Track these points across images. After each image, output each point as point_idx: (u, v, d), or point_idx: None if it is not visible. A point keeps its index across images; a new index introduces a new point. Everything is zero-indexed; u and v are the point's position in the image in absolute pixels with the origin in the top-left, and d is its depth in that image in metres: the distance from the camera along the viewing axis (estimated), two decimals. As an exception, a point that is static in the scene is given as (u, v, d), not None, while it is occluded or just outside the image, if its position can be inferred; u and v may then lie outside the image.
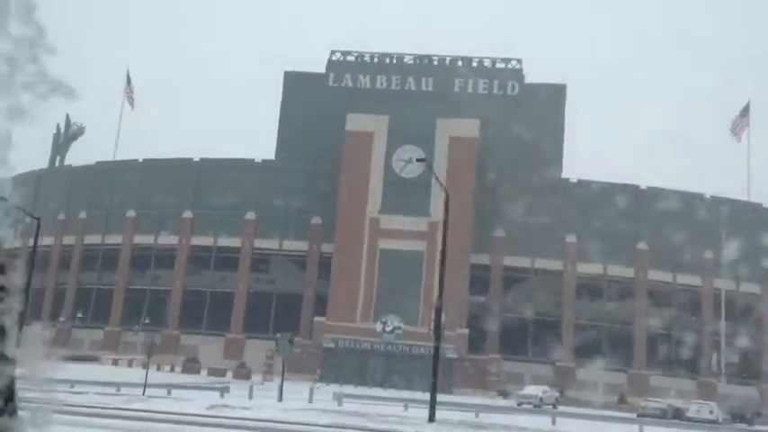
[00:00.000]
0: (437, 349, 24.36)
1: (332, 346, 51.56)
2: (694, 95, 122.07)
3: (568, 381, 58.74)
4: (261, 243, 64.79)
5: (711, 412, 34.06)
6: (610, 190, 63.00)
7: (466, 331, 53.92)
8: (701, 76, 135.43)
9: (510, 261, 62.20)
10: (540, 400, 35.67)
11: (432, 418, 21.24)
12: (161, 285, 65.75)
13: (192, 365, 46.98)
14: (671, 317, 60.82)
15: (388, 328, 51.71)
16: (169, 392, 20.53)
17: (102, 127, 77.42)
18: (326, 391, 33.29)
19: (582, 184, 63.73)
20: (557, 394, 39.29)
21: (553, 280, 62.15)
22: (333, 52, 73.19)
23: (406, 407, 27.34)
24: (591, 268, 61.63)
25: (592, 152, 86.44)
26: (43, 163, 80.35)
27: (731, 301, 61.75)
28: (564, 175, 67.17)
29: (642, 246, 62.17)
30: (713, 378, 56.93)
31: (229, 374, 45.36)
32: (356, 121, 61.41)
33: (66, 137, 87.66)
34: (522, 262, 62.30)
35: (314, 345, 52.90)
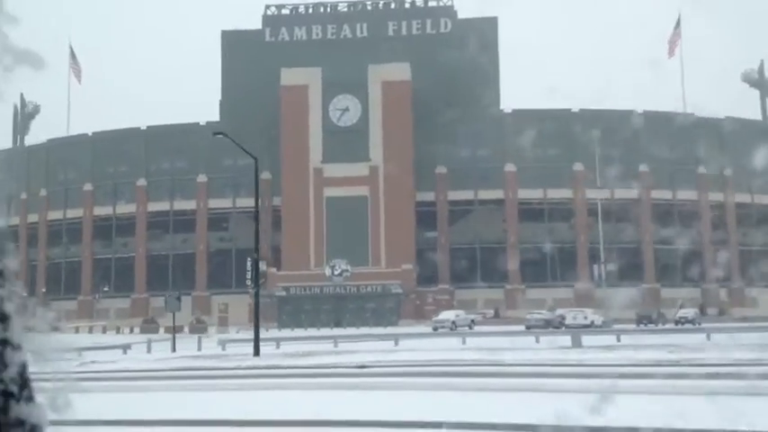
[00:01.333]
0: (257, 295, 27.39)
1: (284, 294, 54.65)
2: (627, 19, 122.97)
3: (516, 301, 62.30)
4: (215, 203, 67.22)
5: (585, 318, 37.60)
6: (543, 116, 65.02)
7: (410, 266, 56.88)
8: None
9: (454, 195, 64.83)
10: (453, 323, 38.89)
11: (256, 353, 24.41)
12: (125, 253, 68.40)
13: (149, 326, 49.97)
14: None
15: (336, 272, 54.69)
16: (80, 354, 23.32)
17: (57, 102, 78.25)
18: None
19: (517, 113, 65.86)
20: (472, 317, 42.41)
21: (496, 208, 64.97)
22: (267, 7, 74.05)
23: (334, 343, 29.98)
24: (531, 194, 64.43)
25: (531, 82, 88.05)
26: (7, 143, 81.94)
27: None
28: (502, 106, 69.28)
29: (578, 167, 64.75)
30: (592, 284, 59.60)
31: (186, 330, 48.43)
32: (290, 76, 63.00)
33: (23, 116, 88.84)
34: (466, 195, 64.96)
35: (268, 294, 55.95)
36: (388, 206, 60.80)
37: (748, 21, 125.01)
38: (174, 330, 35.36)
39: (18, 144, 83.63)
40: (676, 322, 43.01)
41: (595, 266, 52.72)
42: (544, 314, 40.27)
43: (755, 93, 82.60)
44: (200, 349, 29.71)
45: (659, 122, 65.70)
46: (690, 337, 25.57)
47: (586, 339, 23.68)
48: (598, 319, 38.20)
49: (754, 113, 79.24)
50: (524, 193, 64.67)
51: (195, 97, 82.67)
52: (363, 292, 54.40)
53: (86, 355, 24.12)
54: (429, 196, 64.34)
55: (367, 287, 54.67)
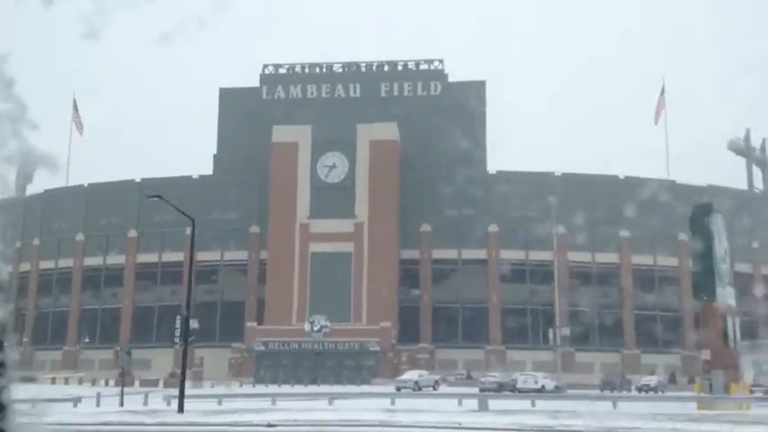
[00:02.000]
0: (185, 353, 27.67)
1: (263, 348, 55.00)
2: (614, 87, 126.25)
3: (499, 362, 62.37)
4: (203, 255, 67.93)
5: (536, 382, 37.59)
6: (527, 179, 66.32)
7: (389, 324, 57.22)
8: (618, 70, 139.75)
9: (438, 254, 65.60)
10: (416, 383, 39.05)
11: (180, 410, 24.72)
12: (113, 304, 69.08)
13: (125, 378, 50.19)
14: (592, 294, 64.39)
15: (315, 328, 55.11)
16: (33, 406, 23.72)
17: (59, 152, 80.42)
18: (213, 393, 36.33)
19: (501, 174, 67.16)
20: (436, 377, 42.55)
21: (479, 268, 65.59)
22: (265, 66, 76.48)
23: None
24: (514, 254, 65.13)
25: (518, 143, 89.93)
26: (10, 192, 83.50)
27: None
28: (489, 166, 70.67)
29: (560, 229, 65.54)
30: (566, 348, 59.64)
31: (161, 383, 48.70)
32: (281, 133, 64.73)
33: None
34: (450, 254, 65.72)
35: (246, 349, 56.36)
36: (371, 263, 61.58)
37: (734, 90, 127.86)
38: (151, 384, 35.81)
39: (20, 193, 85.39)
40: (639, 390, 43.05)
41: (552, 330, 52.94)
42: (497, 377, 40.46)
43: (741, 160, 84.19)
44: (146, 404, 29.93)
45: (641, 188, 66.77)
46: (619, 405, 26.01)
47: (504, 404, 24.21)
48: (550, 384, 38.31)
49: (740, 181, 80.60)
50: (507, 254, 65.37)
51: (191, 151, 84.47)
52: (341, 349, 54.72)
53: (38, 407, 24.58)
54: (413, 254, 65.15)
55: (345, 344, 55.01)
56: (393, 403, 27.55)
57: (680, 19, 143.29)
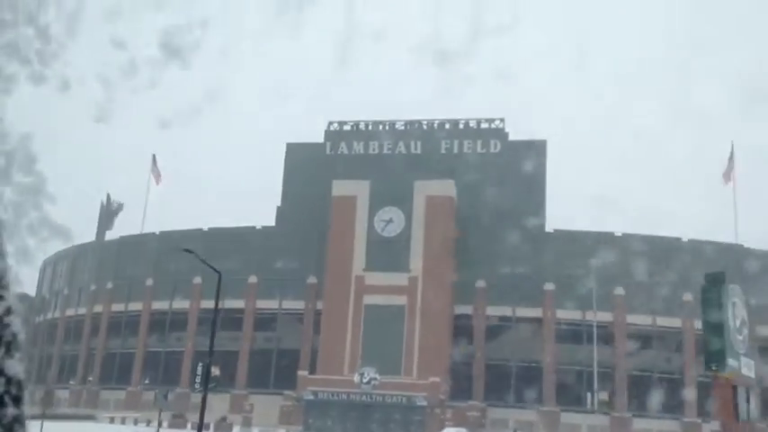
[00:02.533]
0: (204, 399, 28.45)
1: (312, 397, 55.85)
2: (678, 151, 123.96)
3: (553, 424, 61.16)
4: (263, 303, 70.18)
5: None
6: (585, 238, 65.84)
7: (438, 379, 57.13)
8: (683, 133, 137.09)
9: (492, 310, 65.47)
10: None
11: None
12: (176, 347, 71.66)
13: (178, 420, 52.04)
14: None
15: (365, 380, 55.64)
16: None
17: (139, 202, 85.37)
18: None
19: (558, 234, 66.90)
20: None
21: (533, 327, 64.97)
22: (330, 123, 79.37)
23: None
24: (569, 314, 64.29)
25: (579, 202, 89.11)
26: (91, 237, 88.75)
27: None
28: (548, 226, 70.46)
29: (619, 291, 64.49)
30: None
31: (212, 427, 50.14)
32: (340, 187, 66.77)
33: (107, 212, 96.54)
34: (504, 311, 65.48)
35: (297, 397, 57.33)
36: (424, 317, 61.99)
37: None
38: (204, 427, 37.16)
39: (100, 239, 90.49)
40: None
41: (591, 393, 51.72)
42: None
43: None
44: None
45: (705, 251, 65.21)
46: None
47: None
48: None
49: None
50: (562, 314, 64.59)
51: (257, 203, 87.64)
52: (389, 402, 54.97)
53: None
54: (467, 309, 65.25)
55: (393, 397, 55.25)
56: None
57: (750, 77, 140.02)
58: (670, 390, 61.33)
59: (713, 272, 33.48)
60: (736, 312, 28.61)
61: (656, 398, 61.17)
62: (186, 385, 69.10)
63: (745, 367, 28.54)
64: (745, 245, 67.17)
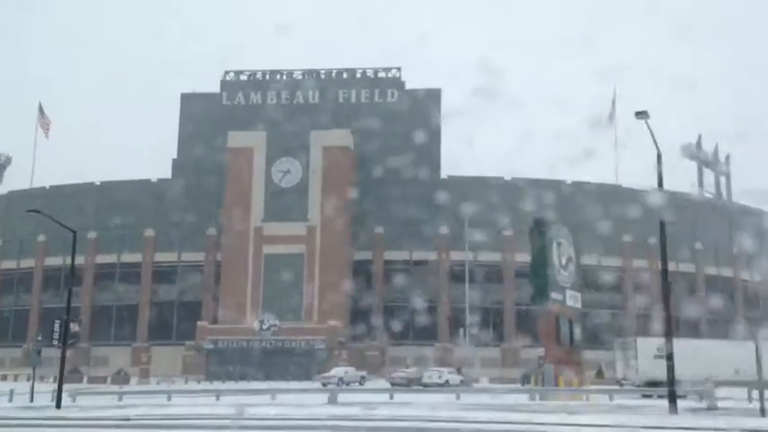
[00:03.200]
0: (63, 354, 29.15)
1: (211, 347, 56.71)
2: (571, 94, 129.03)
3: (446, 357, 64.51)
4: (161, 257, 69.74)
5: (440, 377, 39.70)
6: (477, 183, 68.47)
7: (336, 323, 59.07)
8: (574, 78, 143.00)
9: (390, 255, 67.69)
10: (340, 380, 40.98)
11: (58, 406, 26.68)
12: (72, 303, 70.26)
13: (73, 375, 51.83)
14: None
15: (264, 326, 56.89)
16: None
17: (27, 154, 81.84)
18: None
19: (452, 180, 69.37)
20: (362, 373, 44.44)
21: (429, 269, 67.72)
22: (227, 72, 78.23)
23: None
24: (461, 256, 67.28)
25: (474, 147, 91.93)
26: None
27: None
28: (444, 171, 72.81)
29: (507, 232, 67.81)
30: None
31: (108, 380, 50.32)
32: (237, 138, 66.54)
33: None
34: (401, 255, 67.83)
35: (197, 347, 58.07)
36: (323, 264, 63.44)
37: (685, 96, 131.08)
38: (100, 381, 37.17)
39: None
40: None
41: (463, 329, 55.43)
42: (408, 372, 42.46)
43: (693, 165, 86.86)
44: (52, 400, 30.68)
45: (586, 192, 69.25)
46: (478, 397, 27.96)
47: (367, 397, 26.36)
48: (455, 379, 40.30)
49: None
50: (456, 255, 67.52)
51: (153, 153, 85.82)
52: (288, 347, 56.59)
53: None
54: (366, 255, 67.17)
55: (292, 342, 56.87)
56: (274, 398, 29.32)
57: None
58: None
59: (538, 217, 36.37)
60: (561, 251, 31.43)
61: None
62: (85, 341, 68.44)
63: (571, 299, 31.48)
64: (623, 185, 71.70)
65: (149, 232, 69.77)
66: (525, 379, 43.59)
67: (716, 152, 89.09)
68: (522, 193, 67.45)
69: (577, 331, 32.19)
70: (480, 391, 32.49)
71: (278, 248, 64.01)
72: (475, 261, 67.46)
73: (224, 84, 77.17)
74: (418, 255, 68.07)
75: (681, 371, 32.95)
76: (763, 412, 20.32)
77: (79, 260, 70.44)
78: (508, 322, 67.00)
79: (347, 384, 39.15)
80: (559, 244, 31.79)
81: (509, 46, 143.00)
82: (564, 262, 31.88)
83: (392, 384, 36.36)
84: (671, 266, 73.15)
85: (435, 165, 73.16)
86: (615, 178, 75.87)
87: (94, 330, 68.70)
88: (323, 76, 77.05)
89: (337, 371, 43.51)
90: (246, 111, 74.22)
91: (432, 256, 67.73)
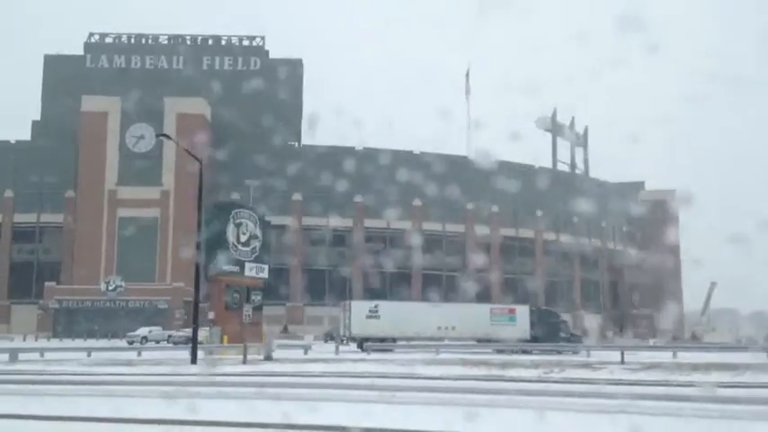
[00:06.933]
0: None
1: (57, 306, 59.25)
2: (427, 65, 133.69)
3: (298, 318, 68.98)
4: (21, 217, 71.03)
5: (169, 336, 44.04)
6: (331, 152, 72.11)
7: (182, 284, 62.23)
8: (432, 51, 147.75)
9: (245, 220, 70.94)
10: (144, 338, 44.65)
11: None
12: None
13: None
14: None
15: (111, 287, 59.66)
16: None
17: None
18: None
19: (307, 148, 72.90)
20: (170, 332, 47.99)
21: (284, 233, 71.56)
22: (91, 34, 78.80)
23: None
24: (314, 221, 71.46)
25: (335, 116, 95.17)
26: None
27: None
28: (304, 138, 76.25)
29: (358, 198, 72.15)
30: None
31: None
32: (91, 103, 67.93)
33: None
34: (256, 220, 71.27)
35: (42, 306, 60.52)
36: (176, 228, 66.24)
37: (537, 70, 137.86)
38: None
39: None
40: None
41: None
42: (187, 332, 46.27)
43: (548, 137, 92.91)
44: None
45: (437, 163, 73.84)
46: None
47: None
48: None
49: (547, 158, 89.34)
50: (309, 221, 71.58)
51: (13, 115, 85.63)
52: (132, 307, 59.68)
53: None
54: (222, 220, 70.29)
55: (136, 302, 59.98)
56: (89, 354, 32.73)
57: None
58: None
59: (222, 201, 41.17)
60: (242, 230, 36.24)
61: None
62: (-58, 299, 69.62)
63: (253, 270, 36.44)
64: (470, 156, 76.80)
65: (8, 193, 70.77)
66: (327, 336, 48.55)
67: (572, 124, 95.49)
68: (374, 163, 71.91)
69: (258, 298, 37.47)
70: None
71: (132, 212, 66.45)
72: (327, 226, 71.78)
73: (88, 46, 77.81)
74: (275, 219, 71.56)
75: (390, 329, 38.57)
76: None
77: (-64, 220, 71.62)
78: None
79: (157, 342, 42.69)
80: (239, 224, 36.58)
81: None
82: (246, 239, 36.65)
83: (174, 343, 40.04)
84: (512, 232, 79.47)
85: (295, 133, 76.46)
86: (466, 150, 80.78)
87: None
88: (189, 43, 78.63)
89: (142, 330, 46.96)
90: (109, 74, 75.33)
91: (287, 221, 71.42)
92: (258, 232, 37.72)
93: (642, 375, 18.29)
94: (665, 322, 73.75)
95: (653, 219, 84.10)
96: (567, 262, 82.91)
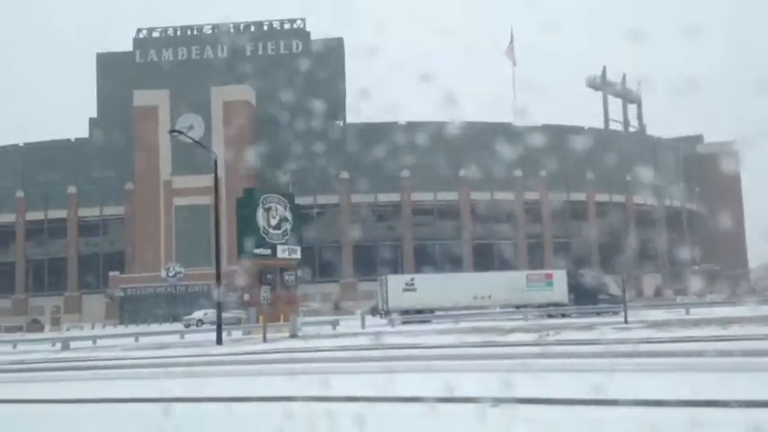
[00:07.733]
0: None
1: (122, 294, 62.42)
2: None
3: (352, 292, 70.55)
4: (85, 212, 74.76)
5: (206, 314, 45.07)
6: (376, 129, 72.82)
7: (234, 267, 64.39)
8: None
9: (297, 200, 72.55)
10: (200, 321, 46.56)
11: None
12: (6, 258, 75.82)
13: (35, 325, 57.60)
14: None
15: (171, 273, 62.40)
16: None
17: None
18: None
19: (353, 126, 73.79)
20: (228, 315, 49.64)
21: (335, 212, 73.06)
22: (139, 30, 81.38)
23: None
24: (364, 198, 72.53)
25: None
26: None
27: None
28: (350, 117, 77.19)
29: (405, 173, 72.74)
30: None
31: (25, 328, 56.22)
32: (141, 97, 70.54)
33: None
34: (307, 200, 72.81)
35: (108, 295, 63.84)
36: (229, 213, 68.35)
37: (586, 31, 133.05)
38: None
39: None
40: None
41: None
42: (200, 315, 47.58)
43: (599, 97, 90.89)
44: None
45: (483, 131, 73.60)
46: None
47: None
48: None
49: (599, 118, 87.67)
50: (357, 198, 72.70)
51: (73, 114, 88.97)
52: (191, 291, 62.27)
53: None
54: (273, 202, 72.18)
55: (195, 287, 62.51)
56: (137, 339, 34.93)
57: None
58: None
59: (248, 189, 41.83)
60: (272, 214, 36.90)
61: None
62: (22, 292, 74.26)
63: (285, 252, 37.11)
64: (515, 123, 76.02)
65: (71, 189, 74.44)
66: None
67: (624, 81, 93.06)
68: (420, 137, 72.22)
69: (292, 278, 38.31)
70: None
71: (187, 200, 68.94)
72: (375, 203, 72.79)
73: (137, 42, 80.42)
74: (322, 199, 73.14)
75: (428, 301, 39.11)
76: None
77: (10, 218, 76.16)
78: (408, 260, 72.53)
79: (212, 324, 44.61)
80: (268, 209, 37.49)
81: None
82: (275, 223, 37.47)
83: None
84: (563, 196, 78.38)
85: (340, 112, 77.40)
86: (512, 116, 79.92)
87: (30, 284, 74.27)
88: (231, 31, 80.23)
89: (198, 313, 49.04)
90: (158, 68, 77.78)
91: (334, 199, 72.77)
92: (288, 215, 38.97)
93: (626, 335, 18.52)
94: (727, 278, 71.83)
95: (712, 172, 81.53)
96: (623, 223, 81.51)
